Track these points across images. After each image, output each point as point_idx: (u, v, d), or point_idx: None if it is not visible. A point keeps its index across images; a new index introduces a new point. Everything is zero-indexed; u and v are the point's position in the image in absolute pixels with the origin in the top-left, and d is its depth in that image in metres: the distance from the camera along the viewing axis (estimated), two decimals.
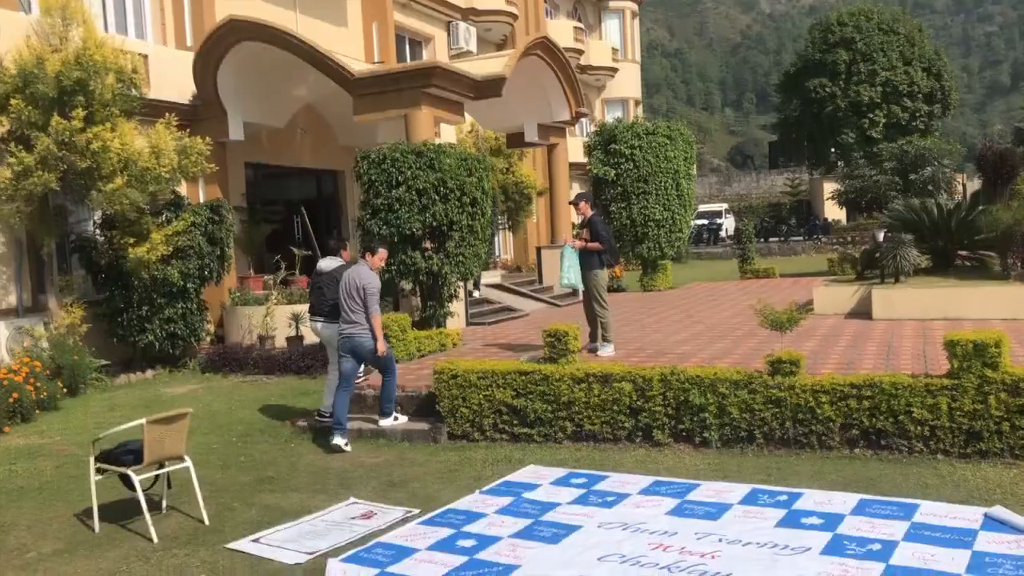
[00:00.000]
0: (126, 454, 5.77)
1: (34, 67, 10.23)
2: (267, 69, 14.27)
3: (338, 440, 7.79)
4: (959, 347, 6.52)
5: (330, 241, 9.65)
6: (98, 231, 11.92)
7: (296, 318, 12.05)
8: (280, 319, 12.43)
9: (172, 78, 13.66)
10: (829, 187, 38.89)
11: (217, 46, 13.61)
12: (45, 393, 9.71)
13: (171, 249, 11.53)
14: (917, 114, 42.39)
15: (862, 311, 12.47)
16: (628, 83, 37.23)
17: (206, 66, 13.76)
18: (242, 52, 13.73)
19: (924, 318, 11.63)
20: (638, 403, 7.36)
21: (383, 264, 8.71)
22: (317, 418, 8.66)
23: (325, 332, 8.68)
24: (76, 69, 10.39)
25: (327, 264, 8.88)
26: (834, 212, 39.50)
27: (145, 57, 12.96)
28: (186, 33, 14.69)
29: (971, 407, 6.44)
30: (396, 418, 8.25)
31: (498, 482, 6.53)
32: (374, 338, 7.95)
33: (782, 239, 39.78)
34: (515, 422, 7.73)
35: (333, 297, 8.31)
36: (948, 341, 6.61)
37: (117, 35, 13.39)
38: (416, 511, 5.93)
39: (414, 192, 11.81)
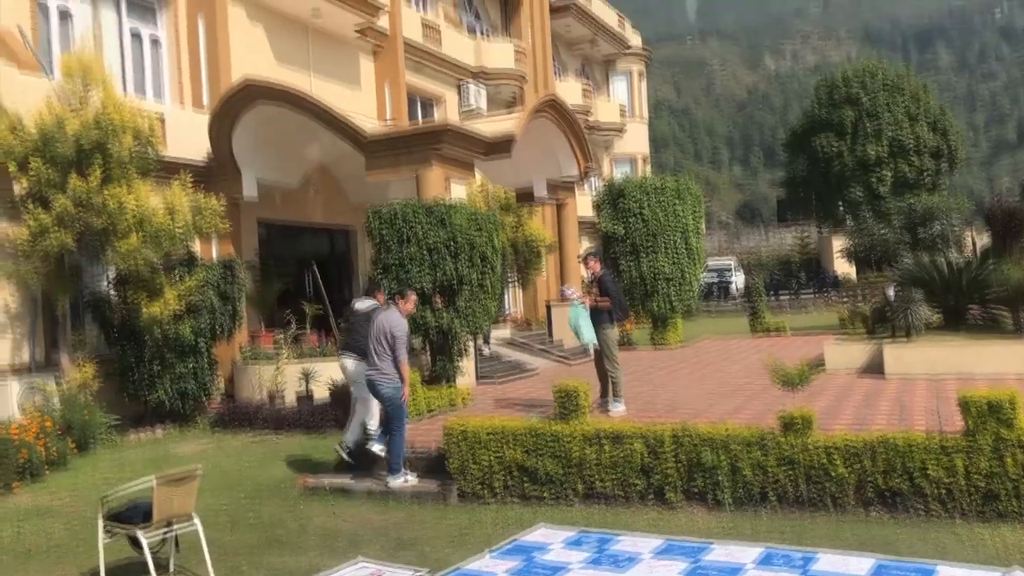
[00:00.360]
0: (135, 514, 5.75)
1: (54, 128, 10.46)
2: (281, 129, 14.54)
3: (393, 480, 8.08)
4: (973, 405, 6.47)
5: (366, 282, 9.90)
6: (112, 288, 12.03)
7: (306, 375, 12.06)
8: (290, 376, 12.44)
9: (188, 138, 13.92)
10: (838, 243, 38.97)
11: (233, 107, 13.89)
12: (55, 451, 9.70)
13: (183, 306, 11.61)
14: (924, 170, 42.62)
15: (874, 368, 12.39)
16: (636, 140, 37.67)
17: (222, 126, 14.03)
18: (257, 113, 14.00)
19: (936, 375, 11.54)
20: (650, 462, 7.30)
21: (413, 309, 8.93)
22: (336, 447, 8.97)
23: (355, 369, 8.93)
24: (95, 130, 10.62)
25: (361, 304, 9.22)
26: (844, 268, 39.52)
27: (162, 118, 13.23)
28: (203, 94, 15.00)
29: (987, 467, 6.36)
30: (406, 479, 8.19)
31: (508, 543, 6.46)
32: (400, 381, 8.08)
33: (792, 295, 39.72)
34: (526, 481, 7.67)
35: (365, 336, 8.54)
36: (962, 400, 6.56)
37: (135, 96, 13.71)
38: (425, 571, 5.86)
39: (425, 249, 11.89)
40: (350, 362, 9.04)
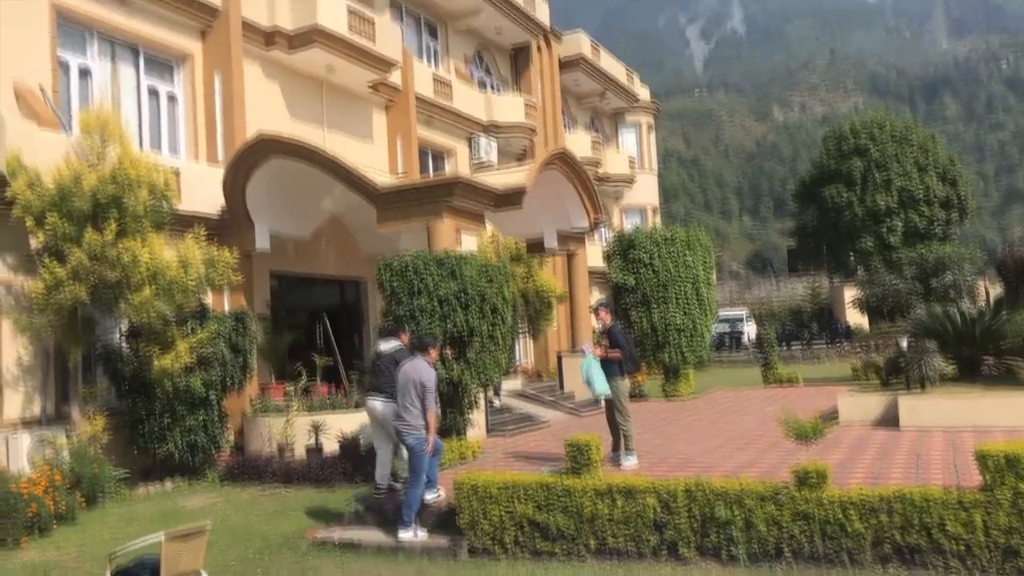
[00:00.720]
0: (143, 570, 5.70)
1: (71, 184, 10.62)
2: (294, 182, 14.72)
3: (403, 533, 8.09)
4: (991, 459, 6.38)
5: (387, 323, 10.04)
6: (124, 341, 12.08)
7: (316, 428, 12.02)
8: (300, 429, 12.40)
9: (202, 191, 14.10)
10: (850, 293, 38.84)
11: (247, 161, 14.09)
12: (64, 505, 9.65)
13: (195, 358, 11.64)
14: (935, 220, 42.63)
15: (888, 420, 12.26)
16: (646, 191, 37.91)
17: (236, 180, 14.22)
18: (271, 167, 14.19)
19: (952, 427, 11.40)
20: (663, 517, 7.20)
21: (436, 357, 9.12)
22: (374, 492, 9.19)
23: (383, 409, 9.03)
24: (111, 185, 10.78)
25: (387, 346, 9.33)
26: (856, 318, 39.32)
27: (177, 172, 13.43)
28: (217, 149, 15.24)
29: (1006, 522, 6.25)
30: (416, 533, 8.11)
31: None
32: (425, 432, 8.18)
33: (804, 345, 39.49)
34: (537, 537, 7.57)
35: (393, 377, 8.69)
36: (979, 453, 6.47)
37: (152, 151, 13.94)
38: None
39: (435, 301, 11.92)
40: (379, 403, 9.12)
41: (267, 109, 16.61)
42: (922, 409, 11.87)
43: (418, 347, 8.79)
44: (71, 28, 13.31)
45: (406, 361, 8.63)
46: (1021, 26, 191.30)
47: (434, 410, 8.27)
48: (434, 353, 8.73)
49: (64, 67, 13.20)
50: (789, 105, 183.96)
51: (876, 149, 43.45)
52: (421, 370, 8.28)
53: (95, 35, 13.74)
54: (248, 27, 15.95)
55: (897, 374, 13.55)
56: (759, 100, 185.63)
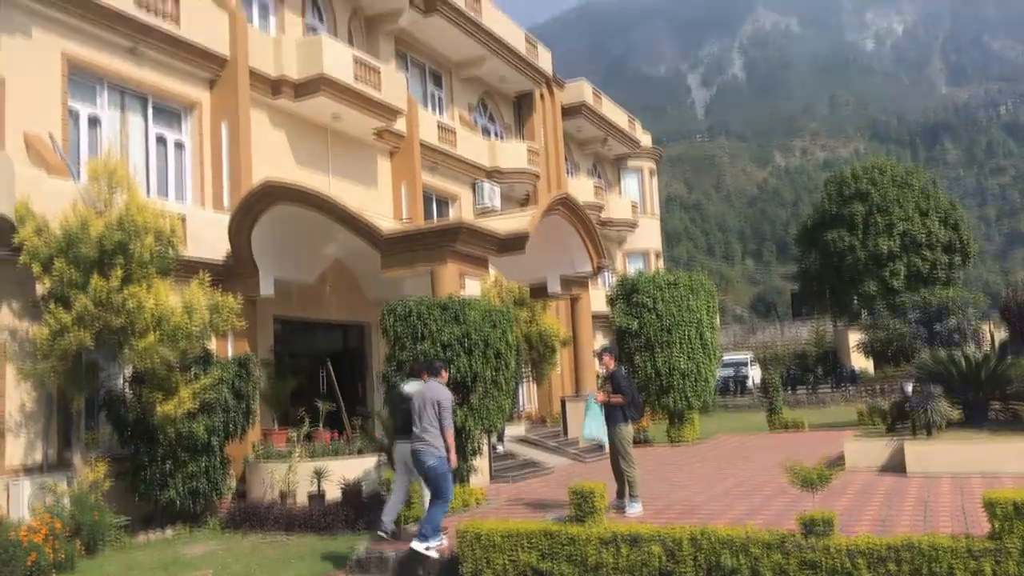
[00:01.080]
0: None
1: (79, 230, 10.72)
2: (299, 228, 14.82)
3: (418, 544, 8.13)
4: (999, 507, 6.32)
5: (412, 364, 10.16)
6: (127, 387, 12.08)
7: (318, 474, 11.94)
8: (302, 475, 12.32)
9: (208, 237, 14.20)
10: (854, 337, 38.76)
11: (253, 207, 14.21)
12: (63, 554, 9.56)
13: (198, 404, 11.62)
14: (937, 264, 42.68)
15: (895, 466, 12.16)
16: (648, 236, 38.08)
17: (241, 226, 14.33)
18: (276, 213, 14.31)
19: (960, 473, 11.30)
20: (668, 566, 7.12)
21: (446, 381, 9.32)
22: (378, 533, 9.19)
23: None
24: (118, 231, 10.87)
25: (411, 388, 9.39)
26: (861, 361, 39.18)
27: (183, 218, 13.55)
28: (223, 195, 15.38)
29: (1016, 571, 6.17)
30: (428, 547, 8.11)
31: None
32: (445, 452, 8.24)
33: (809, 389, 39.30)
34: None
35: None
36: (987, 501, 6.41)
37: (158, 197, 14.08)
38: None
39: (439, 345, 11.93)
40: (408, 447, 9.10)
41: (273, 156, 16.80)
42: (929, 455, 11.78)
43: (430, 371, 9.12)
44: (82, 78, 13.54)
45: (409, 383, 8.95)
46: (1019, 73, 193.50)
47: (452, 430, 8.53)
48: (445, 375, 9.08)
49: (74, 116, 13.39)
50: (790, 150, 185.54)
51: (877, 194, 43.69)
52: (437, 391, 8.62)
53: (105, 85, 13.96)
54: (255, 76, 16.20)
55: (903, 419, 13.48)
56: (760, 145, 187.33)
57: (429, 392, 8.64)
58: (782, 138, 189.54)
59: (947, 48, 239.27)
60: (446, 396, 8.64)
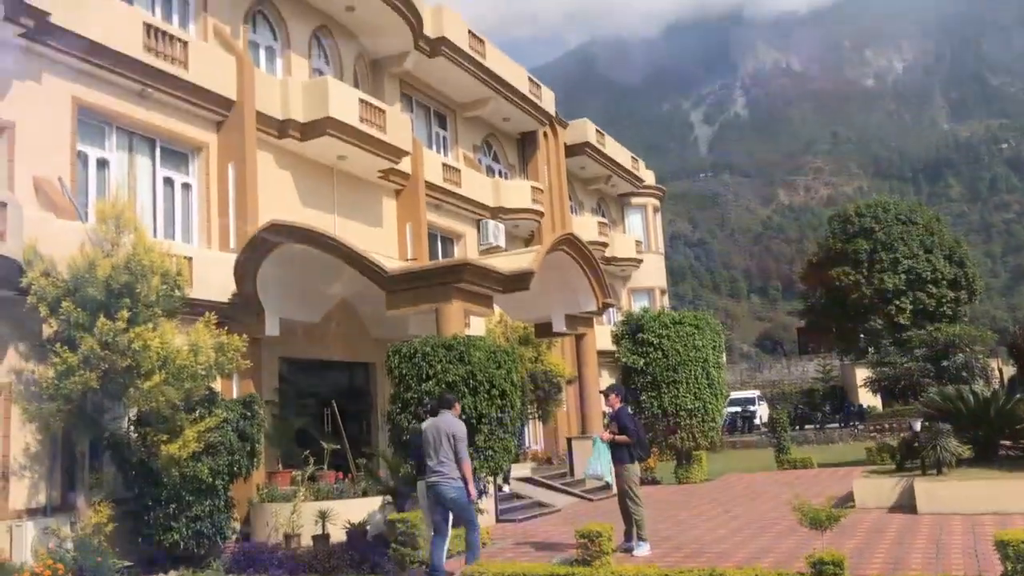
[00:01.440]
0: None
1: (86, 272, 10.77)
2: (305, 268, 14.89)
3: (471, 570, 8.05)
4: (1011, 547, 6.24)
5: (431, 402, 10.17)
6: (132, 428, 12.04)
7: (323, 515, 11.85)
8: (307, 517, 12.22)
9: (214, 278, 14.26)
10: (861, 373, 38.54)
11: (259, 248, 14.29)
12: None
13: (202, 445, 11.57)
14: (943, 300, 42.58)
15: (905, 504, 12.03)
16: (653, 273, 38.12)
17: (247, 266, 14.39)
18: (282, 252, 14.38)
19: (972, 512, 11.17)
20: None
21: (458, 414, 9.42)
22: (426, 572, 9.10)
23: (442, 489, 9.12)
24: (124, 273, 10.92)
25: (426, 424, 9.38)
26: (869, 398, 38.93)
27: (189, 259, 13.62)
28: (230, 236, 15.47)
29: None
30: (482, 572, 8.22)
31: None
32: (464, 483, 8.27)
33: (818, 427, 39.01)
34: None
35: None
36: (998, 540, 6.34)
37: (165, 238, 14.16)
38: None
39: (443, 385, 11.91)
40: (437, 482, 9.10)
41: (279, 196, 16.93)
42: (939, 493, 11.66)
43: (443, 404, 9.20)
44: (91, 121, 13.71)
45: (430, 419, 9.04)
46: (1020, 109, 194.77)
47: (468, 460, 8.59)
48: (458, 407, 9.22)
49: (83, 158, 13.54)
50: (794, 187, 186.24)
51: (881, 231, 43.77)
52: (451, 423, 8.70)
53: (114, 127, 14.13)
54: (262, 118, 16.38)
55: (912, 457, 13.36)
56: (764, 182, 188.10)
57: (443, 425, 8.71)
58: (785, 175, 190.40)
59: (947, 85, 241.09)
60: (460, 428, 8.71)
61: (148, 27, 14.18)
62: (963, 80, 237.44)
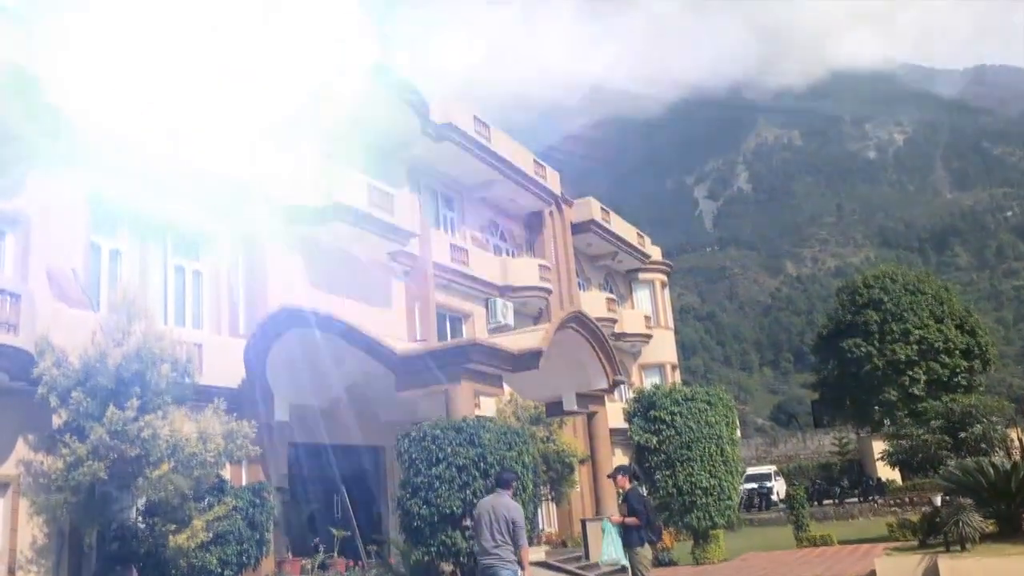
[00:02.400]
0: None
1: (96, 362, 10.84)
2: (314, 352, 14.91)
3: None
4: None
5: (501, 475, 9.86)
6: (140, 519, 11.91)
7: None
8: None
9: (223, 363, 14.30)
10: (878, 446, 37.95)
11: (268, 333, 14.37)
12: None
13: (211, 535, 11.42)
14: (957, 370, 42.18)
15: None
16: (663, 348, 37.95)
17: (257, 351, 14.44)
18: (291, 337, 14.45)
19: None
20: None
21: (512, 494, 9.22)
22: None
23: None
24: (135, 362, 10.98)
25: (482, 503, 9.21)
26: (887, 471, 38.24)
27: (199, 345, 13.68)
28: (239, 322, 15.58)
29: None
30: None
31: None
32: (520, 568, 8.30)
33: (836, 502, 38.23)
34: None
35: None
36: None
37: (175, 325, 14.27)
38: None
39: (454, 468, 11.79)
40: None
41: (288, 280, 17.06)
42: (965, 571, 11.34)
43: (500, 483, 8.99)
44: (104, 213, 13.97)
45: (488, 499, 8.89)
46: (1022, 178, 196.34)
47: (527, 547, 8.48)
48: (514, 485, 9.06)
49: (95, 248, 13.75)
50: (801, 259, 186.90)
51: (890, 301, 43.69)
52: (511, 507, 8.54)
53: (126, 218, 14.39)
54: (271, 204, 16.65)
55: (934, 532, 13.05)
56: (770, 255, 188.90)
57: (501, 507, 8.56)
58: (792, 247, 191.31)
59: (948, 155, 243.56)
60: (519, 512, 8.57)
61: None
62: (963, 150, 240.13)
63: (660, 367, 37.57)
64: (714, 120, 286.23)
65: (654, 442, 19.20)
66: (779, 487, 42.48)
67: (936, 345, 42.22)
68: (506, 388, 17.00)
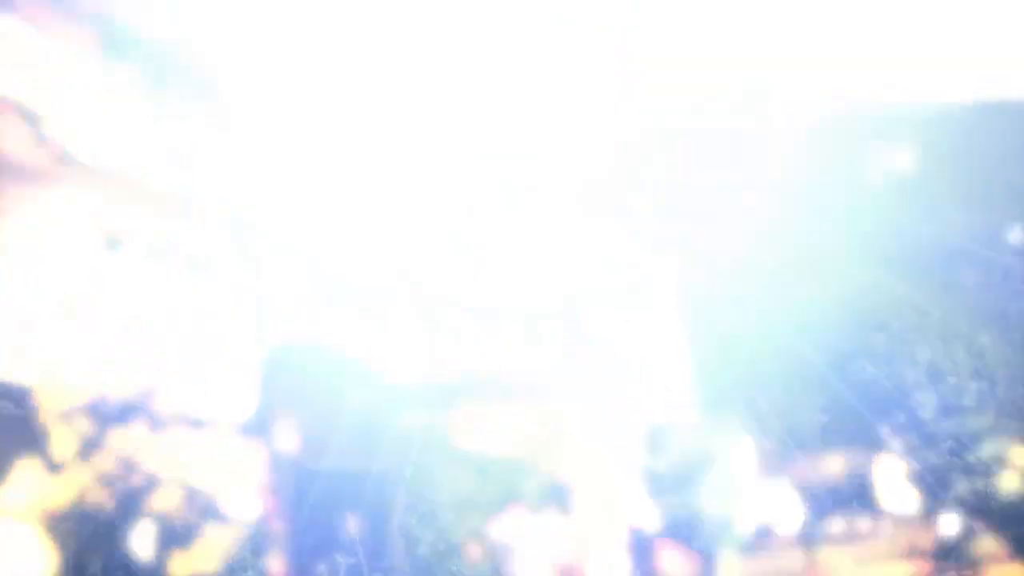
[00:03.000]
0: None
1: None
2: (322, 377, 14.81)
3: None
4: None
5: None
6: (145, 547, 11.84)
7: None
8: None
9: (231, 388, 14.19)
10: (887, 468, 37.51)
11: (277, 357, 14.27)
12: None
13: (218, 564, 11.32)
14: (966, 392, 41.80)
15: None
16: None
17: (265, 376, 14.36)
18: (299, 363, 14.35)
19: None
20: None
21: None
22: None
23: None
24: (143, 385, 10.94)
25: None
26: (895, 494, 37.81)
27: (206, 370, 13.61)
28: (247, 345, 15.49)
29: None
30: None
31: None
32: None
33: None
34: None
35: None
36: None
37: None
38: None
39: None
40: None
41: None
42: None
43: None
44: None
45: None
46: None
47: None
48: None
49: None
50: None
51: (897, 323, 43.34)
52: None
53: None
54: None
55: (946, 556, 12.88)
56: None
57: None
58: None
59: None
60: None
61: None
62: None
63: None
64: None
65: None
66: None
67: (943, 367, 41.88)
68: None
